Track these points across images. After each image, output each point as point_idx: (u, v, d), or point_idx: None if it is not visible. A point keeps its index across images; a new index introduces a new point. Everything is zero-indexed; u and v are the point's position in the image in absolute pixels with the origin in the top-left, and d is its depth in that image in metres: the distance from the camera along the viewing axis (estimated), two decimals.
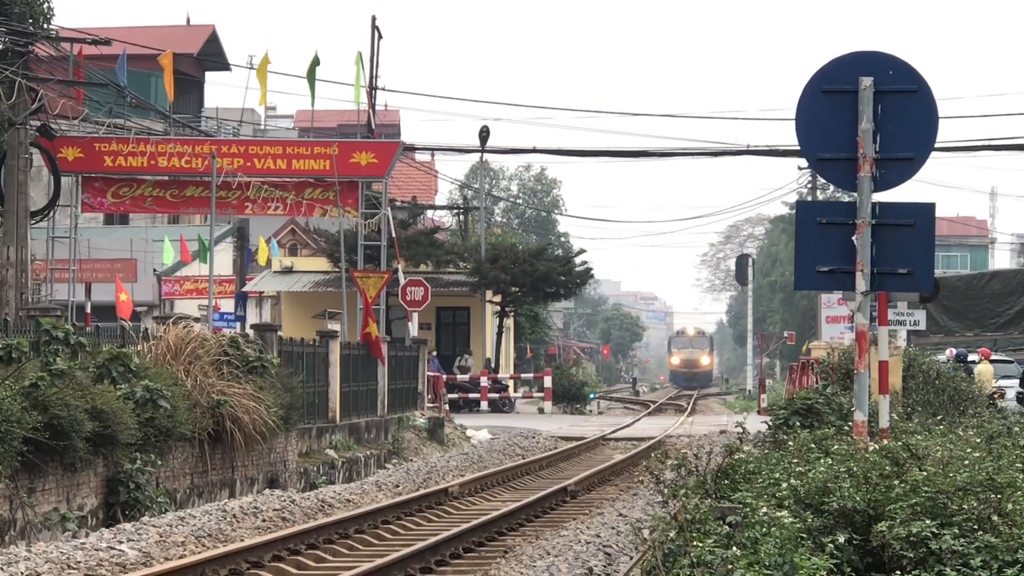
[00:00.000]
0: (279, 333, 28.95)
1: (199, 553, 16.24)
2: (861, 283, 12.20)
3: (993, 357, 36.81)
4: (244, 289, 51.13)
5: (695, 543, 9.67)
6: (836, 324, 56.86)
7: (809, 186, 63.30)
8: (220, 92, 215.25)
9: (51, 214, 36.52)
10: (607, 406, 68.33)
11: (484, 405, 51.50)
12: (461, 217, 72.46)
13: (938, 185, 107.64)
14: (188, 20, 69.83)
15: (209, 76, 67.53)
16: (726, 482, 12.59)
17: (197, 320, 27.06)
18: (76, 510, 18.55)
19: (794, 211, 16.64)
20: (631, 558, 15.82)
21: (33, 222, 33.99)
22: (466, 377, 52.83)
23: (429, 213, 76.25)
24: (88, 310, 40.94)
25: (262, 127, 63.68)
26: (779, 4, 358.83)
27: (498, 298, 56.76)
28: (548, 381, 55.52)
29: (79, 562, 15.15)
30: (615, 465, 29.41)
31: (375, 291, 37.17)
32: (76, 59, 35.71)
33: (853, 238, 12.24)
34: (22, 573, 14.42)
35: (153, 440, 20.16)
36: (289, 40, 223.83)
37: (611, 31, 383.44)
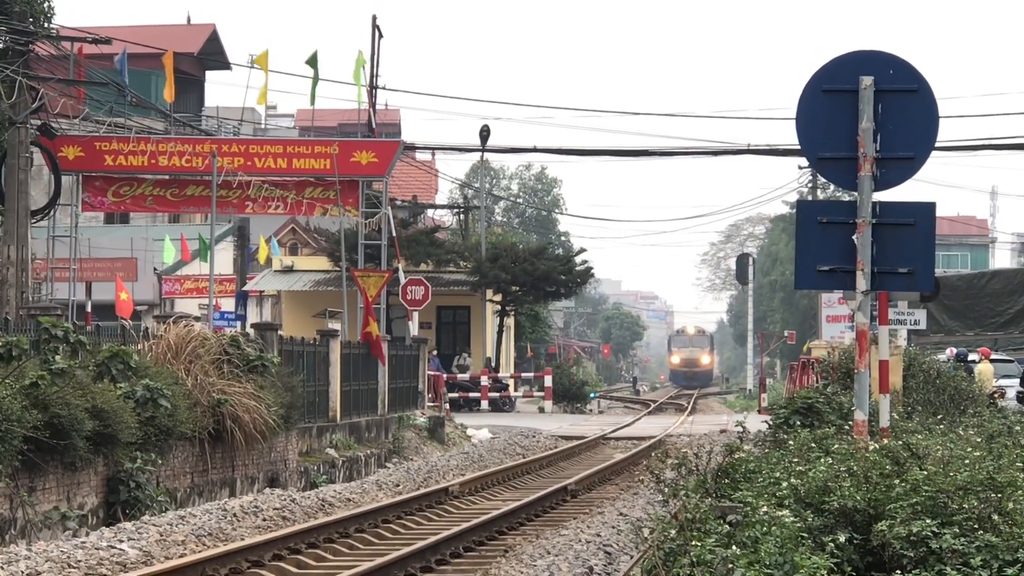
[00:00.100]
0: (279, 332, 28.93)
1: (199, 552, 16.25)
2: (861, 282, 12.19)
3: (993, 356, 36.78)
4: (244, 288, 51.11)
5: (695, 542, 9.66)
6: (836, 323, 56.72)
7: (809, 185, 63.21)
8: (220, 91, 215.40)
9: (51, 213, 36.53)
10: (607, 405, 68.35)
11: (484, 404, 51.53)
12: (461, 216, 72.48)
13: (938, 184, 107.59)
14: (189, 19, 69.85)
15: (209, 75, 67.55)
16: (726, 481, 12.57)
17: (197, 319, 27.07)
18: (76, 509, 18.55)
19: (794, 210, 16.62)
20: (631, 557, 15.81)
21: (34, 221, 33.99)
22: (466, 376, 52.83)
23: (429, 212, 76.30)
24: (88, 309, 40.94)
25: (262, 126, 63.68)
26: (779, 4, 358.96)
27: (498, 297, 56.75)
28: (548, 380, 55.54)
29: (79, 561, 15.14)
30: (615, 464, 29.41)
31: (375, 290, 37.18)
32: (77, 58, 35.71)
33: (854, 237, 12.24)
34: (22, 572, 14.42)
35: (153, 439, 20.16)
36: (289, 40, 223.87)
37: (611, 31, 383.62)
